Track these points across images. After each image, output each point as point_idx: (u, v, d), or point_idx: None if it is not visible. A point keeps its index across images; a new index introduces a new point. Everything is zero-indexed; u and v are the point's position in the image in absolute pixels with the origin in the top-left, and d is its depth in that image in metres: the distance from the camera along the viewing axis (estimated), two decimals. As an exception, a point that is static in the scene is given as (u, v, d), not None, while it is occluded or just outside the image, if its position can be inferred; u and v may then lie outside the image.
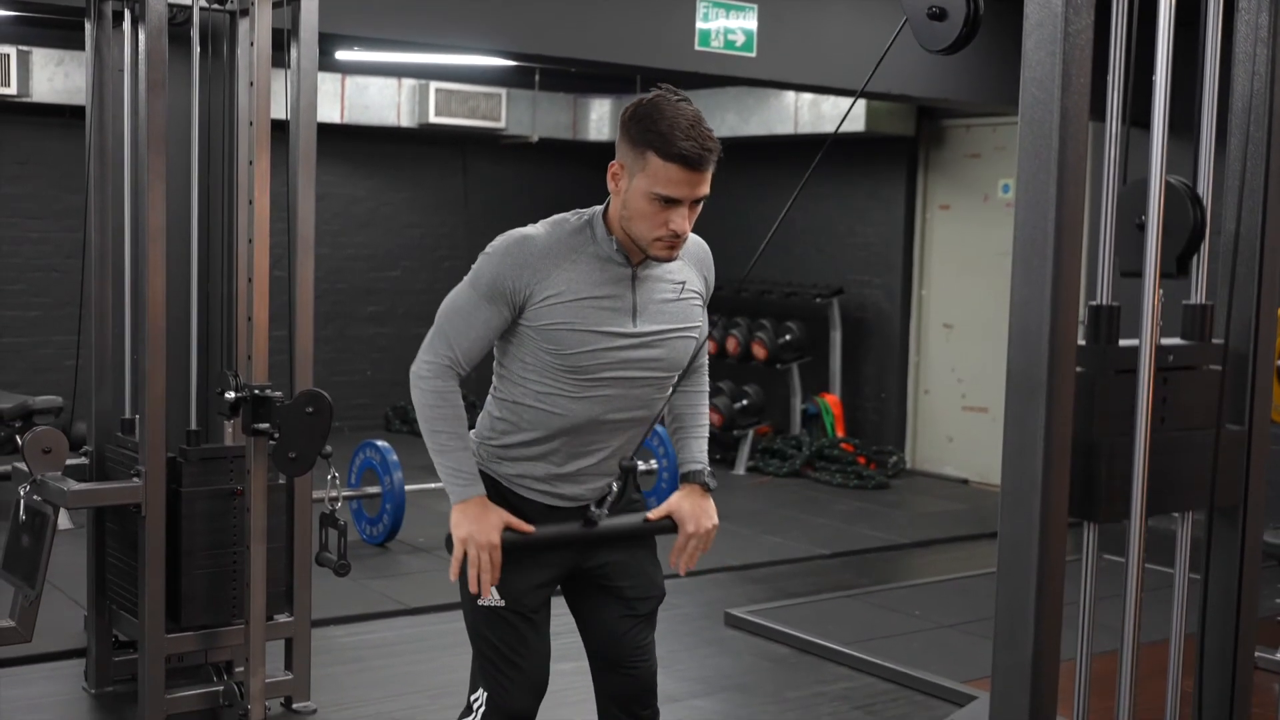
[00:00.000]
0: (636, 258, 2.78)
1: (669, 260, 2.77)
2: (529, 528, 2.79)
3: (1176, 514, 2.62)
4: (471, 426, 2.92)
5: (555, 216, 2.84)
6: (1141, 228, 2.46)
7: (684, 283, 2.87)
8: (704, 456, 3.02)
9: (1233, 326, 2.65)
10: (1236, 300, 2.64)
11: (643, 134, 2.66)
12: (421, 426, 2.83)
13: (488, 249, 2.80)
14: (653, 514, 2.94)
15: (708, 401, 3.08)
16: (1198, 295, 2.63)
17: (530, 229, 2.80)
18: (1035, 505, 2.26)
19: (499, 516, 2.77)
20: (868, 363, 9.99)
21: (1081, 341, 2.41)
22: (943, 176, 9.67)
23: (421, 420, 2.83)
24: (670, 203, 2.67)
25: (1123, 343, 2.46)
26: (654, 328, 2.82)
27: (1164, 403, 2.50)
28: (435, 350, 2.82)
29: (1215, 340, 2.62)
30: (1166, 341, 2.54)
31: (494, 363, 2.92)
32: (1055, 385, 2.24)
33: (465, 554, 2.75)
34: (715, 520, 2.98)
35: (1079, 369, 2.37)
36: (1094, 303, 2.47)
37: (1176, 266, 2.56)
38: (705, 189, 2.70)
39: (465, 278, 2.84)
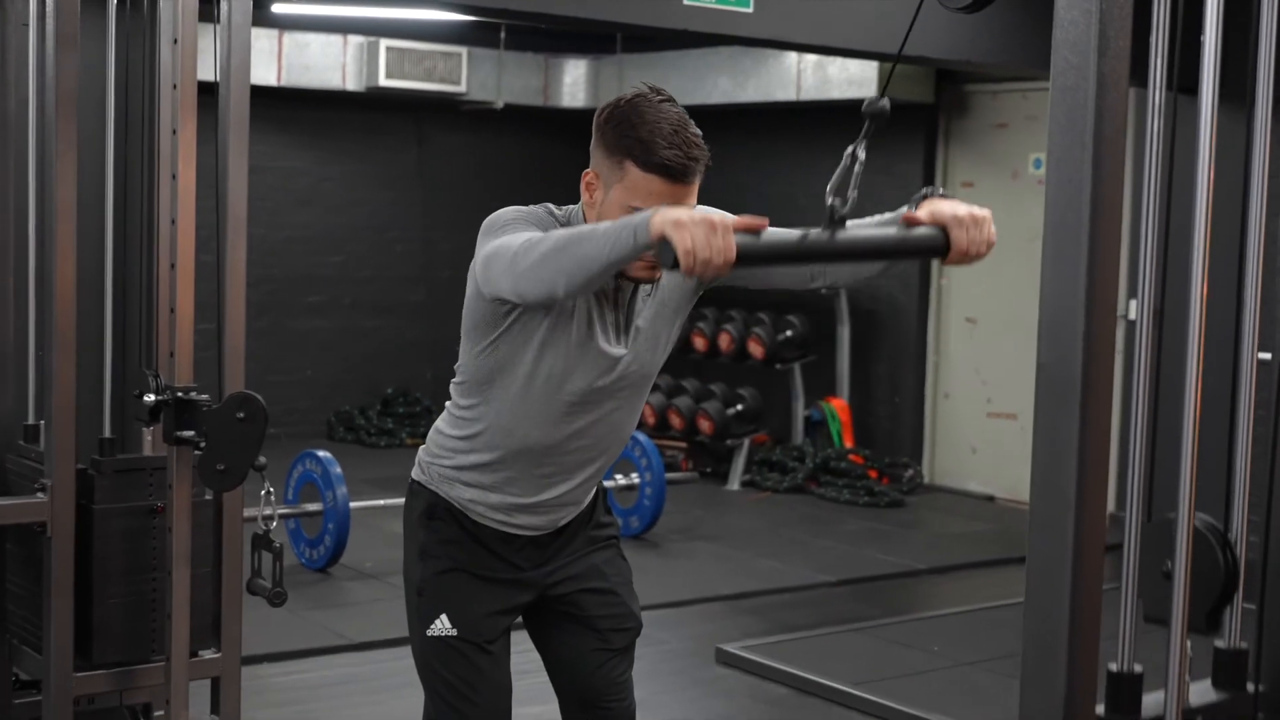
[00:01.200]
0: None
1: (649, 281, 2.76)
2: (762, 220, 2.39)
3: None
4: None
5: (523, 208, 2.81)
6: (1168, 576, 2.50)
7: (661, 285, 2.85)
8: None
9: (1264, 670, 2.68)
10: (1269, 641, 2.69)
11: (620, 140, 2.65)
12: (567, 264, 2.46)
13: (491, 218, 2.69)
14: (906, 217, 2.53)
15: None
16: (1231, 638, 2.66)
17: (521, 208, 2.76)
18: (1068, 525, 2.27)
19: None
20: (880, 362, 10.01)
21: (1100, 710, 2.44)
22: (965, 149, 9.69)
23: (557, 253, 2.47)
24: None
25: (1146, 700, 2.49)
26: (641, 344, 2.83)
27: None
28: (518, 239, 2.55)
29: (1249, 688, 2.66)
30: (1197, 694, 2.57)
31: (456, 368, 2.91)
32: (1091, 387, 2.26)
33: (693, 243, 2.28)
34: (985, 211, 2.52)
35: None
36: (1113, 668, 2.51)
37: (1206, 622, 2.60)
38: (691, 201, 2.69)
39: (483, 242, 2.65)
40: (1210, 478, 2.66)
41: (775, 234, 2.40)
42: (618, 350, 2.79)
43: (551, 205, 2.81)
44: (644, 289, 2.81)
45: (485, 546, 2.90)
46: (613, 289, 2.77)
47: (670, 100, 2.70)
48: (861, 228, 2.51)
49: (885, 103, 2.47)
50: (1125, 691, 2.49)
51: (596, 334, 2.76)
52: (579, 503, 2.96)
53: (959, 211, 2.45)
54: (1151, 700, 2.51)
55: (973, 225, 2.44)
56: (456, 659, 2.86)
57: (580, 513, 2.99)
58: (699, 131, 2.69)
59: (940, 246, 2.44)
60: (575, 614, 2.98)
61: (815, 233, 2.40)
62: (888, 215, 2.58)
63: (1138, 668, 2.50)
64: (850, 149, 2.43)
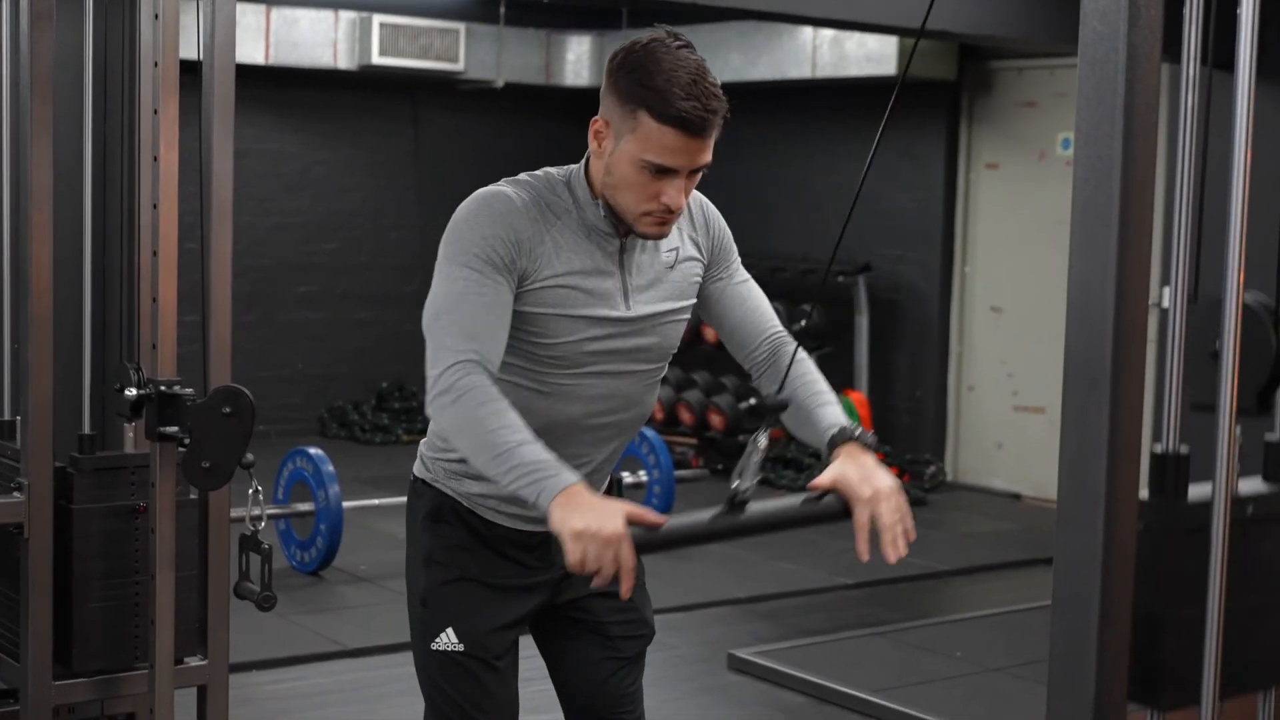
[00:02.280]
0: (625, 226, 2.77)
1: (658, 238, 2.76)
2: (659, 518, 2.50)
3: (1259, 693, 2.63)
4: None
5: (520, 176, 2.81)
6: (1216, 356, 2.48)
7: (676, 249, 2.86)
8: (845, 419, 2.78)
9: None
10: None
11: (634, 88, 2.63)
12: (469, 446, 2.56)
13: (458, 215, 2.71)
14: (811, 486, 2.65)
15: (814, 368, 2.89)
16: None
17: (500, 186, 2.75)
18: (1098, 524, 2.27)
19: (617, 503, 2.51)
20: (900, 354, 10.01)
21: (1144, 495, 2.43)
22: (990, 130, 9.68)
23: (467, 436, 2.56)
24: (664, 172, 2.65)
25: (1193, 491, 2.48)
26: (648, 309, 2.80)
27: (1244, 564, 2.51)
28: (449, 351, 2.60)
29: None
30: (1247, 488, 2.56)
31: None
32: (1121, 379, 2.25)
33: (585, 557, 2.43)
34: (894, 481, 2.66)
35: (1141, 527, 2.37)
36: (1158, 448, 2.49)
37: (1257, 403, 2.58)
38: (707, 156, 2.68)
39: (442, 265, 2.69)
40: (1260, 255, 2.63)
41: (675, 524, 2.53)
42: (631, 310, 2.78)
43: (552, 170, 2.79)
44: (635, 245, 2.80)
45: (495, 549, 2.87)
46: (618, 249, 2.77)
47: (688, 46, 2.68)
48: (763, 506, 2.61)
49: (786, 398, 2.66)
50: (1171, 474, 2.48)
51: (605, 298, 2.75)
52: (595, 489, 2.94)
53: (864, 492, 2.59)
54: (1198, 491, 2.49)
55: (885, 506, 2.58)
56: (462, 676, 2.84)
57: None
58: (717, 80, 2.67)
59: (844, 515, 2.62)
60: (585, 620, 2.97)
61: (717, 518, 2.56)
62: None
63: (1184, 449, 2.49)
64: (752, 437, 2.55)
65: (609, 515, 2.43)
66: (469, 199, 2.75)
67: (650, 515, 2.48)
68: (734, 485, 2.54)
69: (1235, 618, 2.47)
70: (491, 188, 2.76)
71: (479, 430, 2.53)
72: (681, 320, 2.88)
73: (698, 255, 2.90)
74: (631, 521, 2.45)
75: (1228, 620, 2.45)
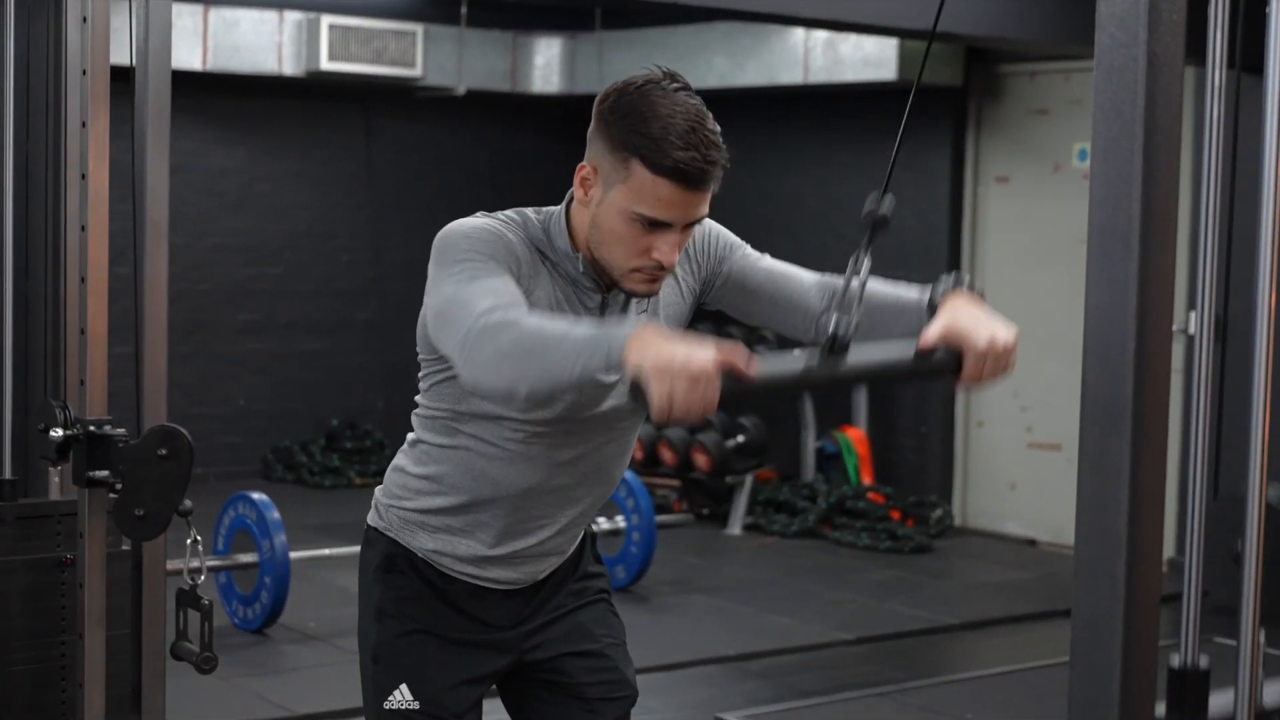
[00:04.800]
0: (608, 280, 2.76)
1: (647, 295, 2.76)
2: (749, 372, 2.35)
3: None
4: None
5: (500, 214, 2.77)
6: (1237, 560, 2.51)
7: (658, 300, 2.85)
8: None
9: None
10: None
11: (626, 134, 2.63)
12: (529, 364, 2.43)
13: (446, 234, 2.67)
14: (923, 341, 2.57)
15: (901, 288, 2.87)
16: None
17: (483, 220, 2.73)
18: (1119, 573, 2.28)
19: (696, 336, 2.40)
20: (902, 386, 10.02)
21: (1160, 713, 2.44)
22: (1000, 139, 9.73)
23: (524, 359, 2.43)
24: (657, 225, 2.65)
25: (1214, 703, 2.49)
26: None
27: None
28: (469, 317, 2.51)
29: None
30: (1272, 699, 2.58)
31: (417, 399, 2.91)
32: (1144, 413, 2.27)
33: (670, 395, 2.29)
34: (1013, 334, 2.61)
35: None
36: (1175, 663, 2.51)
37: None
38: (703, 210, 2.69)
39: (433, 278, 2.63)
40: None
41: (767, 369, 2.41)
42: (609, 376, 2.79)
43: (528, 211, 2.78)
44: (637, 304, 2.81)
45: (452, 605, 2.89)
46: (599, 306, 2.77)
47: (686, 89, 2.68)
48: (867, 352, 2.53)
49: (889, 203, 2.54)
50: (1189, 690, 2.48)
51: None
52: (562, 552, 2.95)
53: (979, 344, 2.53)
54: (1220, 701, 2.50)
55: (993, 360, 2.54)
56: (419, 739, 2.86)
57: (564, 562, 2.99)
58: (717, 128, 2.67)
59: (950, 372, 2.57)
60: (559, 681, 2.97)
61: (814, 363, 2.45)
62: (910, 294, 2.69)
63: (1204, 662, 2.50)
64: (853, 259, 2.50)
65: (697, 346, 2.31)
66: (451, 224, 2.71)
67: (740, 357, 2.34)
68: (832, 323, 2.44)
69: None
70: (472, 219, 2.72)
71: (530, 344, 2.42)
72: None
73: (683, 292, 2.90)
74: (724, 370, 2.32)
75: None
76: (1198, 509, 2.58)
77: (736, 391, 2.35)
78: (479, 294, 2.53)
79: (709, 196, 2.68)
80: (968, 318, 2.57)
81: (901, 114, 2.49)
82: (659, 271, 2.69)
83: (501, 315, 2.47)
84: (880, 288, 2.83)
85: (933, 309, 2.68)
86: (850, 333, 2.43)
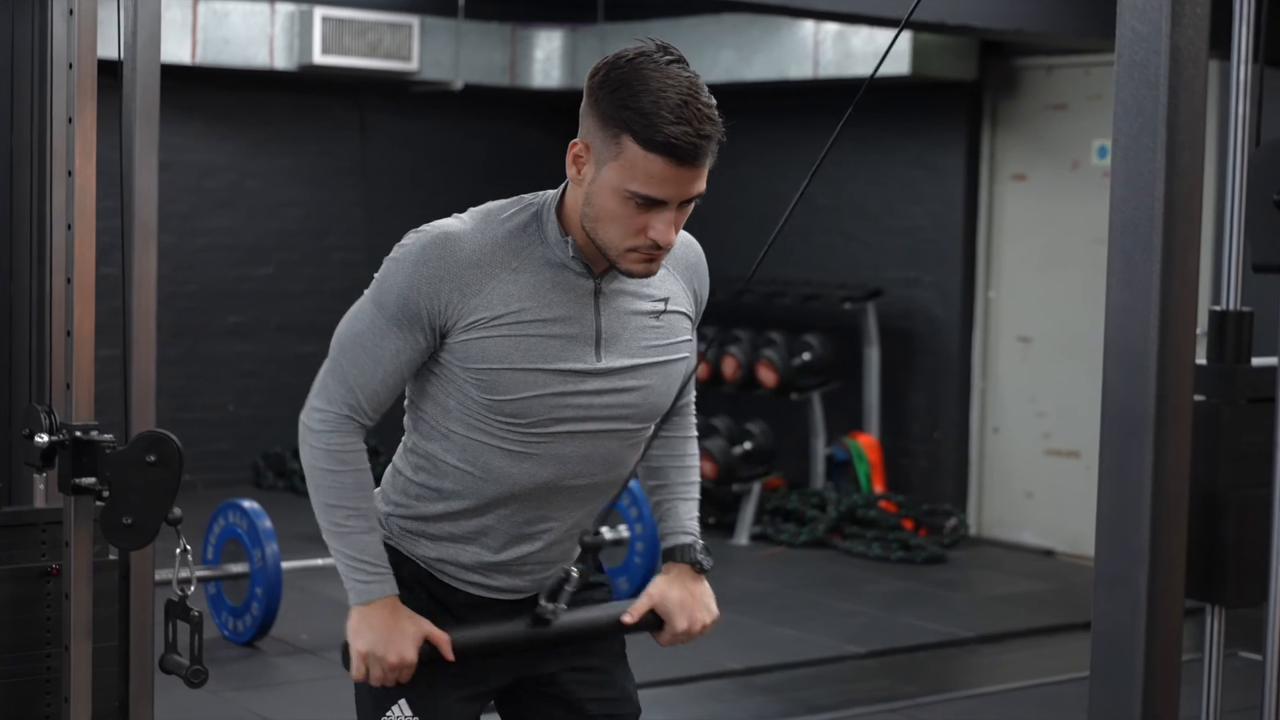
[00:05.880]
0: (601, 265, 2.78)
1: (644, 276, 2.77)
2: (447, 648, 2.82)
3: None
4: (376, 484, 2.93)
5: (490, 205, 2.83)
6: (1279, 205, 2.49)
7: (666, 299, 2.87)
8: (695, 525, 3.03)
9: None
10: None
11: (617, 109, 2.65)
12: (312, 498, 2.86)
13: (396, 251, 2.81)
14: (630, 612, 2.95)
15: (697, 450, 3.10)
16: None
17: (454, 223, 2.80)
18: (1141, 586, 2.28)
19: (414, 625, 2.79)
20: (916, 391, 10.04)
21: (1201, 360, 2.44)
22: (1016, 136, 9.73)
23: (312, 489, 2.85)
24: (651, 204, 2.66)
25: (1257, 361, 2.49)
26: (626, 362, 2.82)
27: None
28: (329, 394, 2.85)
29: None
30: None
31: (406, 401, 2.93)
32: (1166, 421, 2.27)
33: (368, 675, 2.78)
34: (714, 612, 3.02)
35: (1198, 397, 2.40)
36: (1217, 307, 2.49)
37: None
38: (700, 186, 2.69)
39: (368, 291, 2.86)
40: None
41: (467, 635, 2.85)
42: (608, 362, 2.80)
43: (527, 197, 2.83)
44: (613, 289, 2.82)
45: (454, 618, 2.90)
46: (593, 292, 2.79)
47: (680, 61, 2.69)
48: (567, 615, 2.89)
49: (602, 537, 2.96)
50: (1231, 335, 2.48)
51: (576, 346, 2.78)
52: (568, 558, 2.96)
53: (677, 626, 2.99)
54: (1263, 360, 2.49)
55: (684, 638, 3.02)
56: (417, 755, 2.89)
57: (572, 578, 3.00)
58: (712, 100, 2.68)
59: (654, 625, 2.99)
60: (560, 697, 2.98)
61: (514, 627, 2.87)
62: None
63: (1246, 309, 2.50)
64: (565, 571, 2.85)
65: (402, 641, 2.77)
66: (416, 232, 2.81)
67: (444, 642, 2.80)
68: (543, 606, 2.84)
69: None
70: (440, 223, 2.82)
71: (326, 490, 2.82)
72: (673, 374, 2.89)
73: (688, 309, 2.92)
74: (428, 641, 2.79)
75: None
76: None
77: (439, 660, 2.81)
78: (344, 379, 2.85)
79: (705, 172, 2.69)
80: (679, 595, 2.98)
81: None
82: (656, 251, 2.71)
83: (334, 441, 2.83)
84: (670, 471, 3.09)
85: (666, 559, 3.04)
86: (557, 616, 2.85)
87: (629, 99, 2.64)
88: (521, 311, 2.75)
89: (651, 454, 3.01)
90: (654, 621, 2.96)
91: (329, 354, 2.89)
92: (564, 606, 2.84)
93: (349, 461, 2.82)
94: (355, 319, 2.87)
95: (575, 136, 2.76)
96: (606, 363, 2.80)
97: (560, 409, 2.78)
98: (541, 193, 2.84)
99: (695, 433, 3.10)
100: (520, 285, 2.75)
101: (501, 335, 2.74)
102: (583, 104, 2.74)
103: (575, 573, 2.84)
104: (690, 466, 3.07)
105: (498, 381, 2.75)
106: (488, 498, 2.84)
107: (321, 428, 2.83)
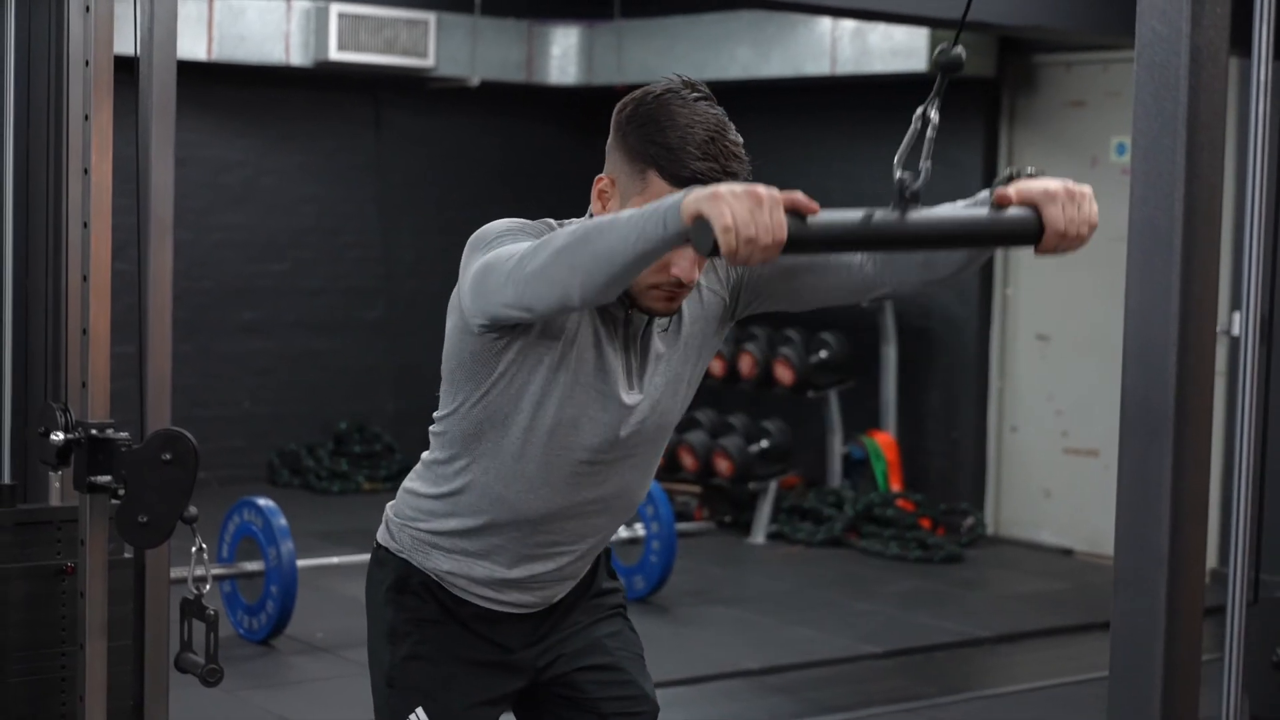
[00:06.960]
0: (629, 299, 2.76)
1: (665, 314, 2.76)
2: (813, 205, 2.37)
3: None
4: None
5: (528, 221, 2.81)
6: (1279, 666, 2.50)
7: (681, 312, 2.83)
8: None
9: None
10: None
11: (644, 145, 2.65)
12: (577, 253, 2.46)
13: (483, 229, 2.70)
14: (1001, 195, 2.48)
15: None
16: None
17: (516, 220, 2.76)
18: (1160, 587, 2.28)
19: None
20: (933, 389, 10.03)
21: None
22: (1035, 133, 9.72)
23: (585, 259, 2.45)
24: None
25: None
26: (653, 394, 2.83)
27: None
28: (511, 257, 2.56)
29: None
30: None
31: (435, 415, 2.90)
32: (1187, 418, 2.27)
33: (734, 219, 2.24)
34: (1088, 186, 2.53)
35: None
36: None
37: None
38: None
39: (469, 261, 2.68)
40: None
41: (832, 216, 2.37)
42: (633, 397, 2.79)
43: (552, 223, 2.78)
44: (659, 323, 2.81)
45: (466, 626, 2.90)
46: (623, 323, 2.78)
47: (708, 98, 2.68)
48: (937, 209, 2.48)
49: (959, 51, 2.41)
50: None
51: (608, 378, 2.77)
52: (578, 576, 2.97)
53: (1050, 186, 2.43)
54: None
55: (1069, 201, 2.42)
56: (436, 762, 2.89)
57: (579, 584, 3.00)
58: (739, 139, 2.68)
59: (1033, 229, 2.42)
60: (575, 698, 2.98)
61: (882, 213, 2.38)
62: (967, 200, 2.59)
63: None
64: (920, 110, 2.43)
65: (756, 185, 2.30)
66: (482, 228, 2.72)
67: (801, 198, 2.34)
68: (899, 175, 2.43)
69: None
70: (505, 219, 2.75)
71: (583, 235, 2.45)
72: (687, 390, 2.89)
73: (711, 304, 2.87)
74: (789, 208, 2.32)
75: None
76: (1242, 525, 2.59)
77: (801, 233, 2.31)
78: (524, 244, 2.56)
79: None
80: (1037, 182, 2.47)
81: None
82: (678, 289, 2.69)
83: (551, 235, 2.51)
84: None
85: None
86: (919, 186, 2.40)
87: (655, 134, 2.64)
88: (570, 335, 2.74)
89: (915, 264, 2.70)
90: (1030, 222, 2.44)
91: (483, 276, 2.62)
92: (928, 166, 2.46)
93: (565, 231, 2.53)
94: (490, 254, 2.62)
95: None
96: (637, 397, 2.80)
97: (598, 440, 2.79)
98: (567, 221, 2.78)
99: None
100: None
101: (556, 352, 2.73)
102: (609, 140, 2.73)
103: (934, 114, 2.47)
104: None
105: (541, 406, 2.75)
106: (503, 519, 2.84)
107: (531, 250, 2.52)
